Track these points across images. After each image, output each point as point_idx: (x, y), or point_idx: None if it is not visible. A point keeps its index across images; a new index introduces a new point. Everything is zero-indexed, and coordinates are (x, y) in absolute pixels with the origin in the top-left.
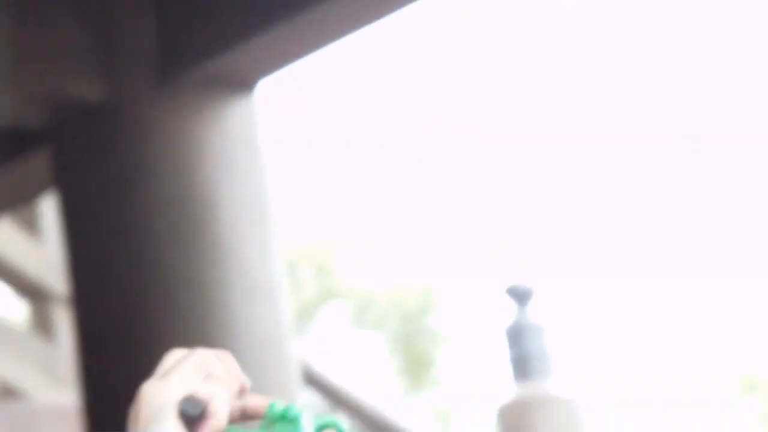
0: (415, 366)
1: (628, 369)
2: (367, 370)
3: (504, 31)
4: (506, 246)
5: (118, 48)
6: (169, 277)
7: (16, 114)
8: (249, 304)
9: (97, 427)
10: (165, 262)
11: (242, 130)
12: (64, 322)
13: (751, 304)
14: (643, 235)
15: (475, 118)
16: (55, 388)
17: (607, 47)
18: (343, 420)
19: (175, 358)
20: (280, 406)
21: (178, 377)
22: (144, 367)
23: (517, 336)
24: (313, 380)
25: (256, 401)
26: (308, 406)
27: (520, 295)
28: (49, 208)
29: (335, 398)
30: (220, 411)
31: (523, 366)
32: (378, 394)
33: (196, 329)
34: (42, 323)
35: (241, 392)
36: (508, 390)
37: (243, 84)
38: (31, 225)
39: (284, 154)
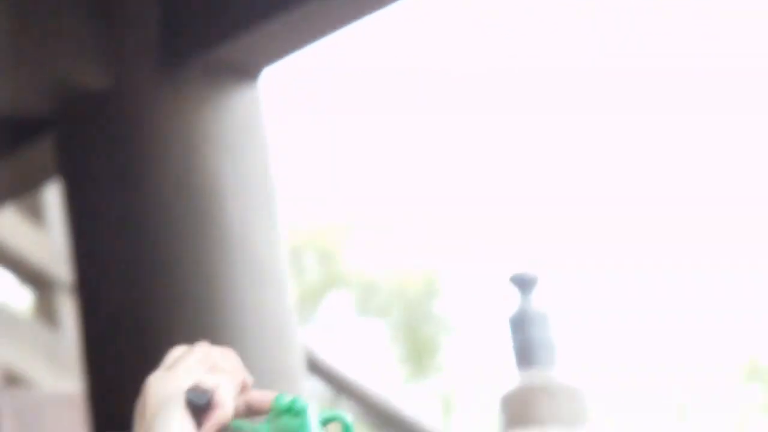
0: (419, 353)
1: (632, 357)
2: (371, 358)
3: (503, 22)
4: (511, 233)
5: (123, 36)
6: (173, 265)
7: (20, 102)
8: (255, 291)
9: (102, 414)
10: (169, 250)
11: (247, 118)
12: (68, 310)
13: (754, 291)
14: (647, 224)
15: (480, 103)
16: (59, 375)
17: (606, 44)
18: (347, 408)
19: (179, 352)
20: (286, 398)
21: (184, 368)
22: (148, 354)
23: (520, 324)
24: (317, 368)
25: (260, 396)
26: (312, 394)
27: (524, 283)
28: (53, 197)
29: (339, 385)
30: (225, 401)
31: (526, 354)
32: (382, 381)
33: (202, 316)
34: (46, 311)
35: (244, 388)
36: (512, 378)
37: (247, 72)
38: (35, 213)
39: (288, 139)
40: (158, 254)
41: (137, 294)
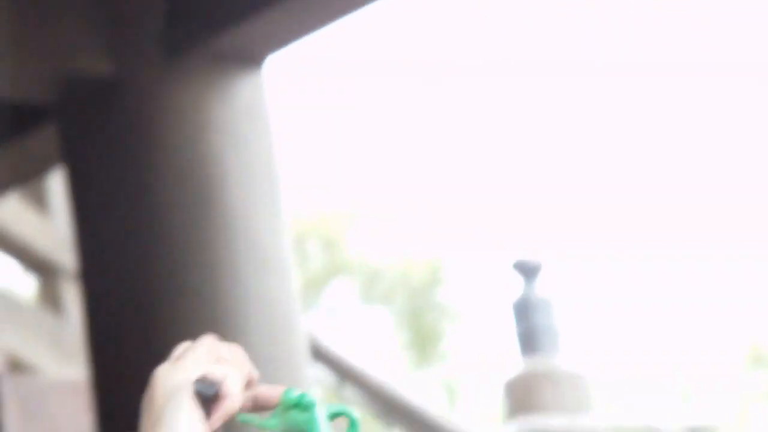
0: (423, 340)
1: (635, 344)
2: (375, 345)
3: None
4: (514, 220)
5: (126, 23)
6: (177, 252)
7: (24, 89)
8: (258, 278)
9: (106, 401)
10: (173, 237)
11: (250, 106)
12: (72, 297)
13: (758, 278)
14: (650, 211)
15: (483, 92)
16: (63, 362)
17: (604, 42)
18: (351, 395)
19: (185, 346)
20: (295, 393)
21: (191, 360)
22: (152, 341)
23: (524, 311)
24: (320, 355)
25: (267, 390)
26: (316, 381)
27: (527, 270)
28: (57, 184)
29: (343, 373)
30: (233, 392)
31: (530, 340)
32: (386, 368)
33: (205, 303)
34: (51, 298)
35: (251, 382)
36: (516, 364)
37: (251, 59)
38: (39, 200)
39: (292, 127)
40: (162, 242)
41: (141, 281)
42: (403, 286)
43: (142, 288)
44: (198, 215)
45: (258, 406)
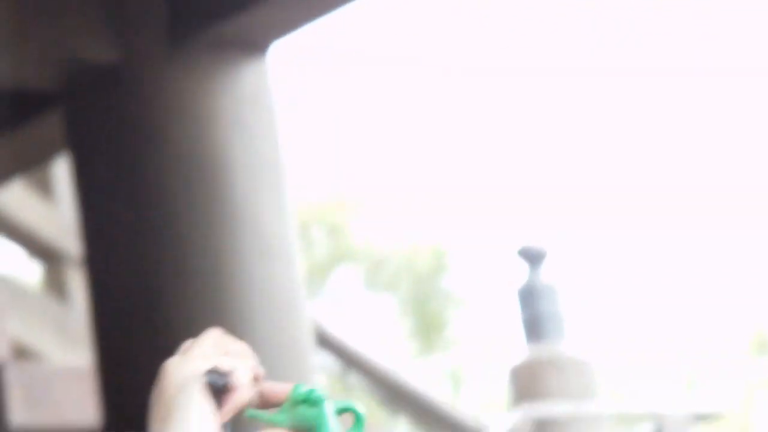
0: (428, 327)
1: (640, 330)
2: (380, 332)
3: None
4: (519, 206)
5: (130, 10)
6: (182, 239)
7: (29, 76)
8: (263, 265)
9: (111, 386)
10: (178, 224)
11: (255, 93)
12: (77, 283)
13: (763, 264)
14: (656, 197)
15: (486, 79)
16: (68, 348)
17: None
18: (356, 382)
19: (193, 340)
20: (303, 388)
21: (200, 352)
22: (157, 327)
23: (529, 297)
24: (325, 342)
25: (274, 387)
26: (321, 368)
27: (532, 257)
28: (62, 171)
29: (348, 359)
30: (243, 384)
31: (535, 327)
32: (390, 355)
33: (210, 289)
34: (56, 285)
35: (256, 379)
36: (521, 351)
37: (256, 46)
38: (44, 187)
39: (297, 113)
40: (167, 228)
41: (145, 267)
42: (408, 273)
43: (147, 275)
44: (202, 202)
45: (264, 403)
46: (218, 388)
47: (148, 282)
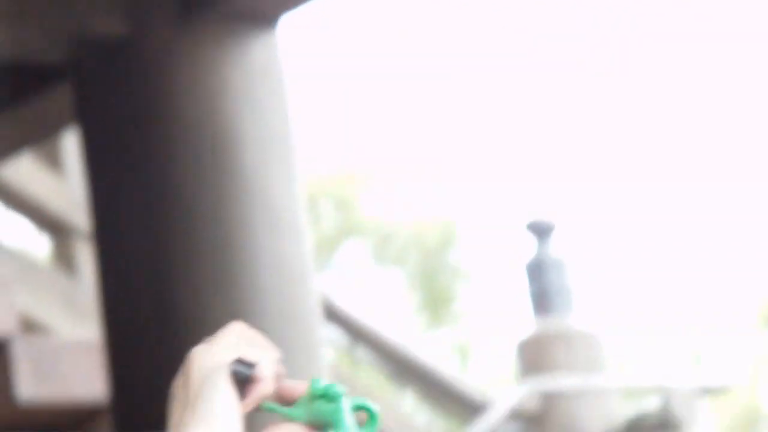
0: (436, 301)
1: (648, 303)
2: (388, 306)
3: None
4: (527, 180)
5: None
6: (191, 212)
7: (38, 49)
8: (272, 238)
9: (119, 360)
10: (187, 197)
11: (265, 66)
12: (86, 257)
13: None
14: (662, 170)
15: (493, 56)
16: (76, 322)
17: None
18: (365, 355)
19: (216, 333)
20: (322, 383)
21: (226, 343)
22: (165, 300)
23: (537, 271)
24: (333, 315)
25: (291, 385)
26: (329, 341)
27: (540, 230)
28: (71, 144)
29: (356, 333)
30: (267, 376)
31: (543, 301)
32: (398, 329)
33: (219, 263)
34: (64, 258)
35: (277, 375)
36: (529, 325)
37: (265, 19)
38: (53, 160)
39: (307, 87)
40: (176, 201)
41: (154, 241)
42: (416, 247)
43: (156, 248)
44: (212, 175)
45: (280, 399)
46: (243, 379)
47: (157, 255)
